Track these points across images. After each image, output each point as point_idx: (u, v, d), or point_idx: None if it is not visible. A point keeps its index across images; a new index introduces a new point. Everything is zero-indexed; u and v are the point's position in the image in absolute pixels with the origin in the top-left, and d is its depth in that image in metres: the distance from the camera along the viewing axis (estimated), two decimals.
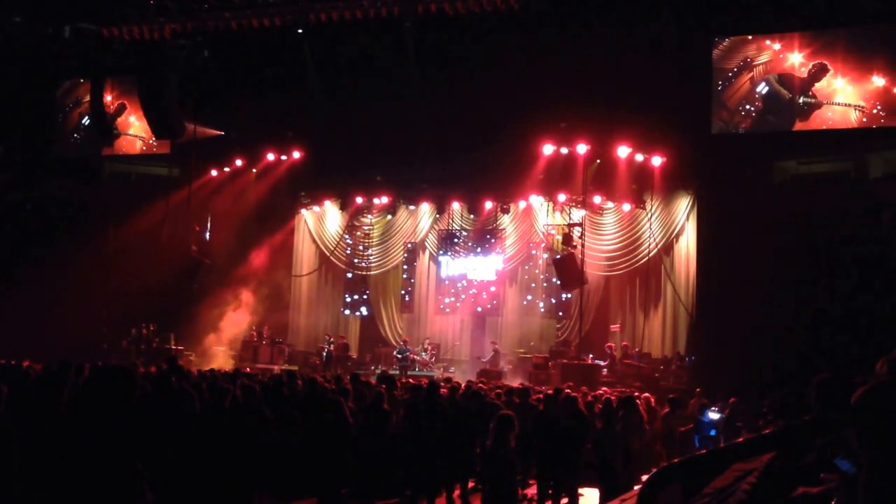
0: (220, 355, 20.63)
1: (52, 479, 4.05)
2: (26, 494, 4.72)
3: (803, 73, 17.26)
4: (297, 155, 21.58)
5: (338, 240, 23.67)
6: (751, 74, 17.76)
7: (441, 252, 22.86)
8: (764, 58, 17.67)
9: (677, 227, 19.87)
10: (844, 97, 16.82)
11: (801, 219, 16.65)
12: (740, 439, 4.27)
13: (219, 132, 21.38)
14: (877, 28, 16.84)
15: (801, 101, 17.13)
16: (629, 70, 16.84)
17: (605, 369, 18.11)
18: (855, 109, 16.68)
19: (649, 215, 19.50)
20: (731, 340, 16.16)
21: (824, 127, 17.06)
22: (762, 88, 17.51)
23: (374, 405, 9.10)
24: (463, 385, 11.93)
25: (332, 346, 21.54)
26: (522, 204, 21.63)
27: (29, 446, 5.20)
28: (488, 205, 21.88)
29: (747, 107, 17.78)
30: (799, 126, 17.19)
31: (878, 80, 16.55)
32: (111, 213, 21.24)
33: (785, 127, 17.35)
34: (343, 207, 23.14)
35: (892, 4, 16.22)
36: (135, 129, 22.28)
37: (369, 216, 23.46)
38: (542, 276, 21.94)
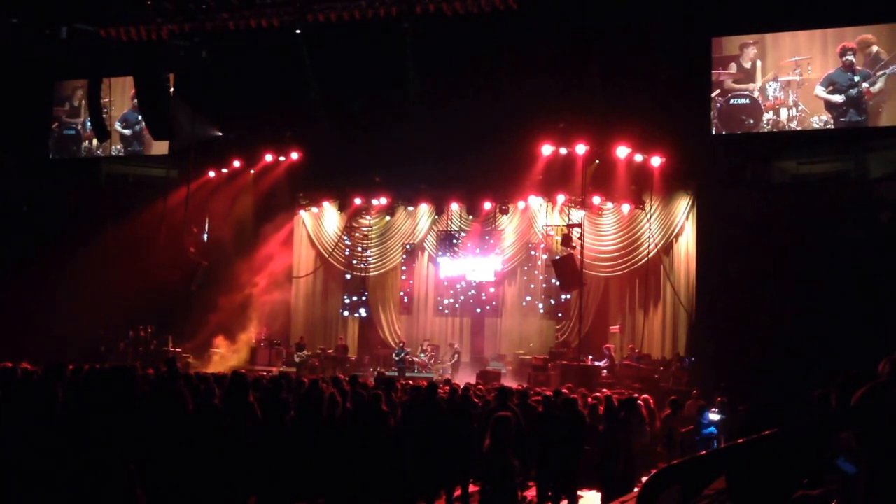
0: (218, 357, 20.56)
1: (46, 479, 4.01)
2: (23, 495, 4.68)
3: (797, 73, 17.29)
4: (295, 156, 21.50)
5: (336, 241, 23.60)
6: (749, 74, 17.76)
7: (440, 253, 22.78)
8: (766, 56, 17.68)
9: (677, 227, 19.82)
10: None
11: (801, 219, 16.62)
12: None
13: (217, 133, 21.34)
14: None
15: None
16: (628, 70, 16.81)
17: (605, 370, 18.07)
18: None
19: (649, 216, 19.45)
20: (731, 341, 16.12)
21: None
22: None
23: (372, 406, 9.04)
24: (461, 387, 11.87)
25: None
26: (521, 205, 21.59)
27: (24, 447, 5.16)
28: (487, 205, 21.82)
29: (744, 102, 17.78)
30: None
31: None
32: (108, 214, 21.15)
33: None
34: (341, 208, 23.08)
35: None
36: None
37: (368, 217, 23.40)
38: (541, 277, 21.87)
